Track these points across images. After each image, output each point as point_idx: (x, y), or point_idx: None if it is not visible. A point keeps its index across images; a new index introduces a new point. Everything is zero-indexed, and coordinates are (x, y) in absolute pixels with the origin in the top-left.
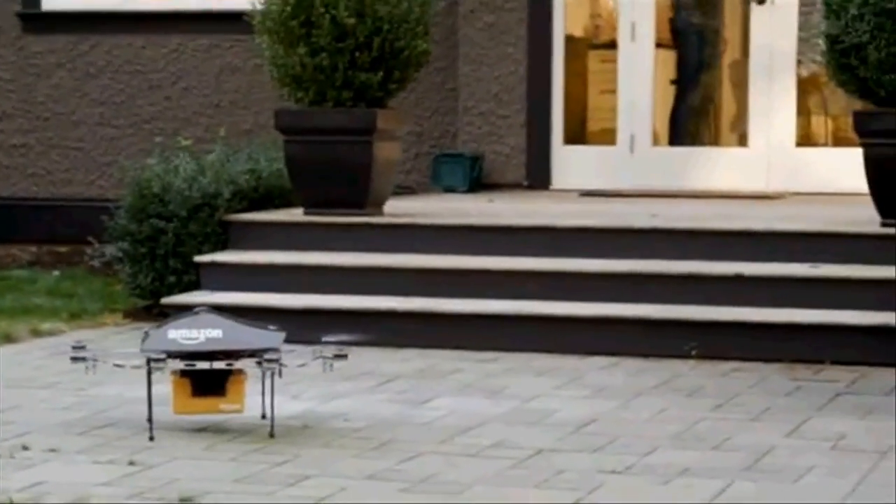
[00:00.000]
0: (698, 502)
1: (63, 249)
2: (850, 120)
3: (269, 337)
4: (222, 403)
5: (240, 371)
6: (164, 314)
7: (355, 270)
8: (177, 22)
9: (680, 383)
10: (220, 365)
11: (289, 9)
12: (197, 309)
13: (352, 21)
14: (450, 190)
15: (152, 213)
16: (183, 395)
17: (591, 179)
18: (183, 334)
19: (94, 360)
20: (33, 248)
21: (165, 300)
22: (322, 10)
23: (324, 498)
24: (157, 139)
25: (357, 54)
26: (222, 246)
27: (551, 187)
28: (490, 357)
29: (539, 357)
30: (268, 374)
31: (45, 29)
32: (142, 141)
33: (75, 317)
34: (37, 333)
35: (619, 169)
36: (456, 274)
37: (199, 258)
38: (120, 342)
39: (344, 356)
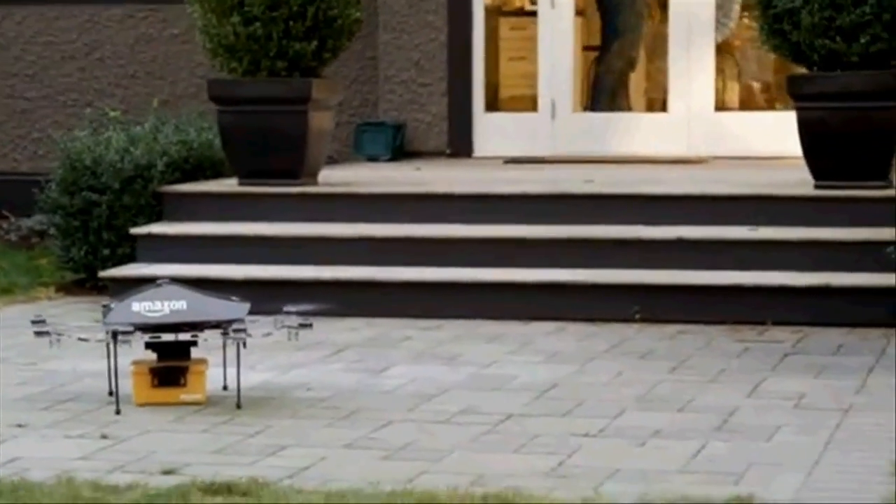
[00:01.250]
0: (679, 463)
1: None
2: (766, 84)
3: (234, 308)
4: (183, 394)
5: (200, 361)
6: (98, 287)
7: (293, 240)
8: None
9: (629, 346)
10: (185, 336)
11: None
12: (160, 281)
13: None
14: (372, 159)
15: (84, 185)
16: (145, 387)
17: (513, 146)
18: (147, 307)
19: (59, 334)
20: None
21: (104, 273)
22: None
23: (306, 467)
24: (88, 111)
25: (291, 23)
26: (157, 218)
27: (474, 155)
28: (435, 325)
29: (484, 324)
30: (231, 344)
31: None
32: (55, 113)
33: (6, 292)
34: None
35: (540, 135)
36: (396, 242)
37: (135, 230)
38: (59, 316)
39: (309, 325)
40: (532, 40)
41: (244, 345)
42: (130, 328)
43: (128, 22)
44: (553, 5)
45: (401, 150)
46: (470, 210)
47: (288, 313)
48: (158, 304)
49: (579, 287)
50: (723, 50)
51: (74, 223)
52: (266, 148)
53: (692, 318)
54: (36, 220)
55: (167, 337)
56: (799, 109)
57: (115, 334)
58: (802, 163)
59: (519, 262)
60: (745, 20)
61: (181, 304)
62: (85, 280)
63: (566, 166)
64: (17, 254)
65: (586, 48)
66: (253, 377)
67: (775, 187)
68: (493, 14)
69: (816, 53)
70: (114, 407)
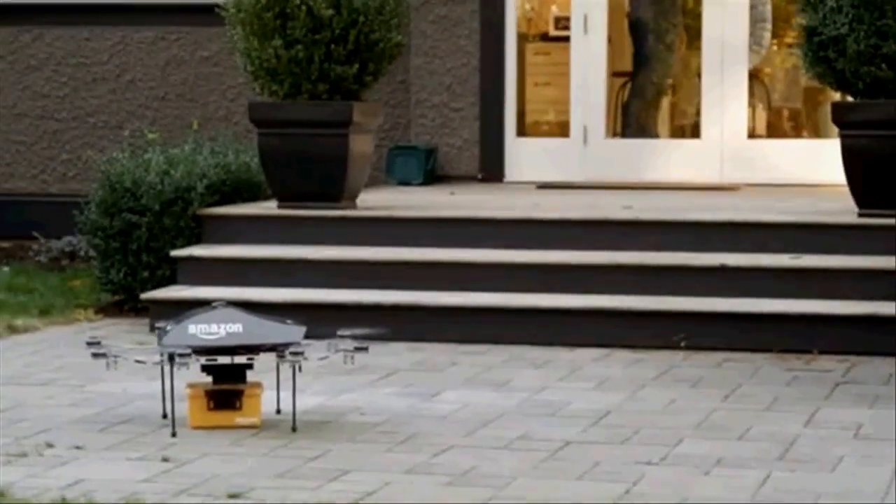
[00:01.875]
0: (748, 493)
1: (7, 244)
2: (795, 112)
3: (290, 331)
4: (238, 417)
5: (255, 385)
6: (136, 309)
7: (334, 263)
8: (122, 13)
9: (678, 374)
10: (241, 359)
11: (263, 1)
12: (215, 304)
13: (329, 13)
14: (404, 183)
15: (124, 207)
16: (200, 410)
17: (544, 171)
18: (203, 329)
19: (116, 356)
20: None
21: (145, 295)
22: (298, 1)
23: (371, 492)
24: (125, 132)
25: (333, 46)
26: (196, 240)
27: (505, 180)
28: (481, 350)
29: (530, 349)
30: (285, 367)
31: None
32: (86, 134)
33: (44, 313)
34: (13, 330)
35: (572, 161)
36: (439, 267)
37: (175, 252)
38: (103, 338)
39: (365, 349)
40: (558, 65)
41: (300, 368)
42: (188, 350)
43: (159, 44)
44: (585, 31)
45: (432, 175)
46: (511, 235)
47: (342, 337)
48: (215, 327)
49: (624, 313)
50: (754, 77)
51: (114, 245)
52: (306, 171)
53: (737, 346)
54: (66, 242)
55: (223, 360)
56: (843, 137)
57: (171, 357)
58: (838, 190)
59: (562, 288)
60: (776, 47)
61: (237, 327)
62: (124, 302)
63: (599, 192)
64: (50, 275)
65: (615, 74)
66: (305, 401)
67: (818, 215)
68: (521, 39)
69: (861, 81)
70: (168, 429)
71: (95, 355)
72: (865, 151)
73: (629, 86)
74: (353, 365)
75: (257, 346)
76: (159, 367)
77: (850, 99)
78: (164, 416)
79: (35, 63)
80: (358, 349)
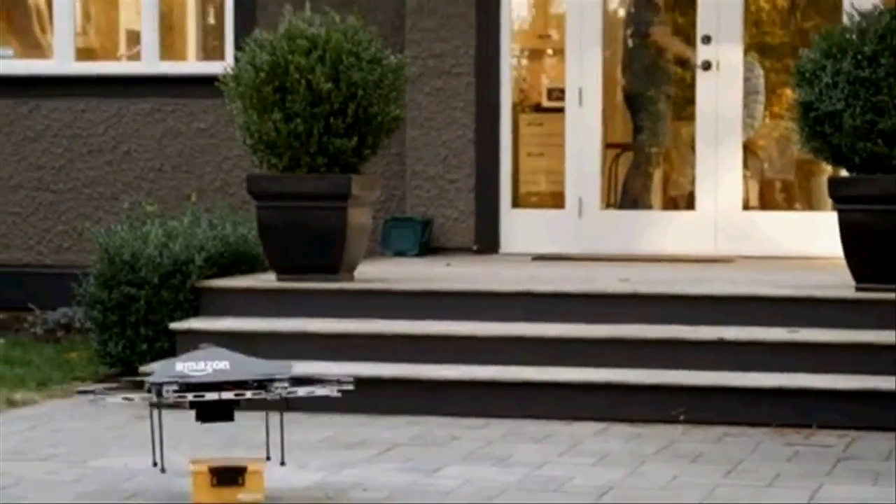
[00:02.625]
0: None
1: (2, 316)
2: (788, 184)
3: (277, 367)
4: (242, 493)
5: (258, 461)
6: (136, 382)
7: (333, 337)
8: (118, 86)
9: (678, 449)
10: (228, 395)
11: (262, 74)
12: (202, 345)
13: (328, 86)
14: (399, 254)
15: (123, 280)
16: (204, 486)
17: (540, 243)
18: (190, 367)
19: (104, 395)
20: None
21: (144, 368)
22: (297, 76)
23: None
24: (125, 205)
25: (332, 120)
26: (194, 312)
27: (500, 251)
28: (480, 423)
29: (528, 423)
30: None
31: None
32: (82, 206)
33: (42, 386)
34: (11, 404)
35: (567, 233)
36: (437, 339)
37: (174, 325)
38: (99, 410)
39: (350, 383)
40: (552, 136)
41: (287, 404)
42: (174, 383)
43: (155, 116)
44: (580, 103)
45: (428, 246)
46: (508, 308)
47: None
48: (202, 364)
49: (622, 387)
50: (747, 149)
51: (112, 317)
52: (305, 243)
53: (736, 420)
54: (62, 313)
55: (211, 396)
56: (840, 212)
57: (158, 391)
58: (834, 263)
59: (560, 361)
60: (768, 119)
61: (224, 364)
62: (122, 374)
63: (595, 264)
64: (46, 347)
65: (609, 145)
66: (307, 476)
67: (815, 289)
68: (514, 110)
69: (858, 156)
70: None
71: (82, 392)
72: (862, 226)
73: (623, 157)
74: (342, 396)
75: (244, 382)
76: (160, 438)
77: (846, 173)
78: (154, 464)
79: (32, 135)
80: (342, 382)
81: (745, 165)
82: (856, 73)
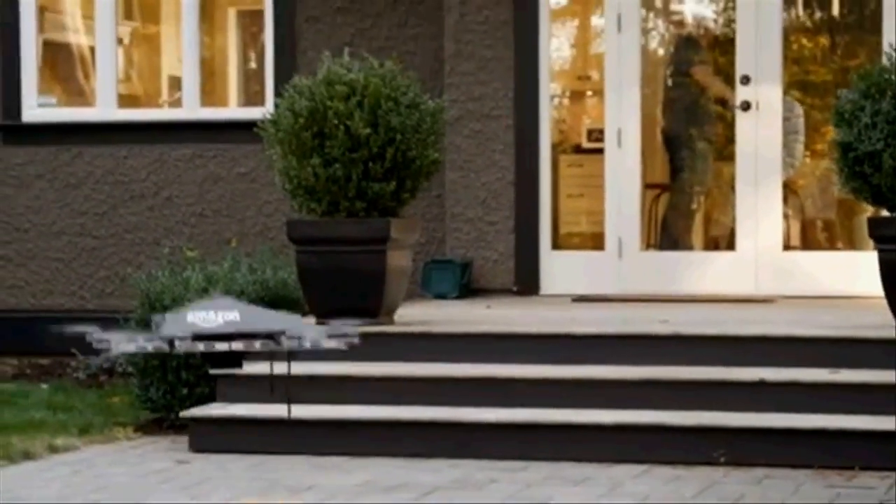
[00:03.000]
0: None
1: (45, 361)
2: (829, 223)
3: (287, 319)
4: None
5: None
6: (175, 427)
7: (374, 380)
8: (159, 131)
9: (719, 491)
10: (238, 346)
11: (301, 120)
12: (214, 295)
13: (366, 131)
14: (440, 296)
15: None
16: None
17: (580, 284)
18: (201, 317)
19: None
20: (14, 361)
21: (185, 413)
22: (336, 121)
23: None
24: (165, 250)
25: (370, 164)
26: None
27: (540, 293)
28: (520, 466)
29: (567, 466)
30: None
31: (26, 140)
32: (123, 251)
33: (83, 432)
34: (53, 449)
35: (607, 274)
36: (477, 382)
37: (215, 370)
38: (139, 457)
39: (355, 336)
40: (591, 177)
41: (295, 354)
42: (188, 335)
43: (196, 161)
44: (619, 144)
45: (468, 288)
46: (548, 350)
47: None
48: (213, 315)
49: (662, 429)
50: (787, 188)
51: (153, 363)
52: (344, 287)
53: (777, 462)
54: (104, 358)
55: (221, 346)
56: (880, 251)
57: (171, 341)
58: (876, 303)
59: (600, 404)
60: (808, 159)
61: (234, 315)
62: (163, 419)
63: (635, 305)
64: (89, 392)
65: (648, 185)
66: None
67: (856, 329)
68: (553, 151)
69: None
70: None
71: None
72: None
73: (663, 198)
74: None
75: (254, 334)
76: (200, 483)
77: (885, 213)
78: None
79: (74, 181)
80: (349, 337)
81: (786, 205)
82: (894, 112)
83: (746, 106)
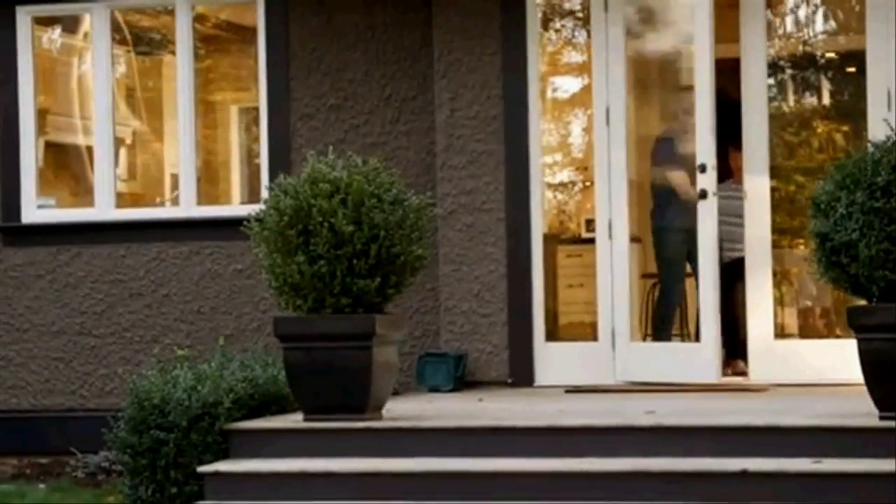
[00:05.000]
0: None
1: (45, 461)
2: (825, 310)
3: None
4: None
5: None
6: None
7: (359, 476)
8: (156, 230)
9: None
10: None
11: (286, 218)
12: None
13: (350, 228)
14: (434, 389)
15: (153, 424)
16: None
17: (574, 375)
18: None
19: None
20: (14, 461)
21: None
22: (320, 218)
23: None
24: (155, 350)
25: (355, 261)
26: (223, 455)
27: (535, 384)
28: None
29: None
30: None
31: (25, 241)
32: (123, 350)
33: None
34: None
35: (601, 364)
36: (464, 477)
37: (202, 468)
38: None
39: None
40: (590, 267)
41: None
42: None
43: (194, 259)
44: (610, 235)
45: (462, 381)
46: (536, 443)
47: None
48: None
49: None
50: (781, 276)
51: (142, 461)
52: (331, 384)
53: None
54: (102, 457)
55: None
56: (860, 340)
57: None
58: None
59: (587, 496)
60: (803, 246)
61: None
62: None
63: (629, 395)
64: (84, 492)
65: (645, 275)
66: None
67: (840, 418)
68: (550, 241)
69: (875, 285)
70: None
71: None
72: (883, 355)
73: (654, 288)
74: None
75: None
76: None
77: (864, 303)
78: None
79: (73, 281)
80: None
81: (779, 292)
82: (870, 203)
83: (703, 194)
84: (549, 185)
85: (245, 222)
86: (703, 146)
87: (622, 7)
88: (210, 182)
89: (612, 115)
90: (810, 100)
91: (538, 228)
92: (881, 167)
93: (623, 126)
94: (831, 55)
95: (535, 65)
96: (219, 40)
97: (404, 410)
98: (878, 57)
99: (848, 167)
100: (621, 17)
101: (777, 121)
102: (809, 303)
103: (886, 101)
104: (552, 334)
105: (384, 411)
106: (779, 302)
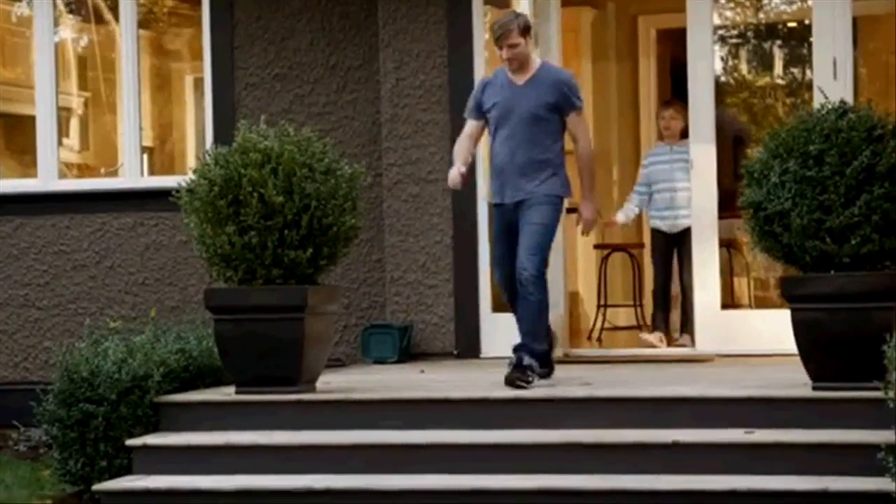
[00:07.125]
0: None
1: None
2: (771, 282)
3: None
4: None
5: None
6: (94, 500)
7: (290, 449)
8: (100, 201)
9: None
10: None
11: (216, 188)
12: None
13: (280, 199)
14: (379, 361)
15: (81, 397)
16: None
17: None
18: None
19: None
20: None
21: (97, 486)
22: (250, 188)
23: None
24: (87, 321)
25: (286, 232)
26: (154, 428)
27: (481, 355)
28: None
29: None
30: None
31: None
32: (67, 322)
33: None
34: None
35: None
36: (392, 449)
37: (130, 442)
38: None
39: None
40: None
41: None
42: None
43: (138, 230)
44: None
45: (408, 352)
46: (468, 415)
47: None
48: None
49: (577, 493)
50: (731, 247)
51: (72, 435)
52: (263, 356)
53: None
54: (45, 430)
55: None
56: (794, 311)
57: None
58: None
59: (516, 469)
60: None
61: None
62: (82, 492)
63: (571, 367)
64: (22, 465)
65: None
66: None
67: (774, 388)
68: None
69: (808, 255)
70: None
71: None
72: (816, 325)
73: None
74: None
75: None
76: None
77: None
78: None
79: (16, 252)
80: None
81: (727, 264)
82: (802, 172)
83: None
84: None
85: (174, 192)
86: None
87: None
88: (165, 153)
89: None
90: (758, 69)
91: (484, 198)
92: (814, 135)
93: None
94: (779, 25)
95: (481, 34)
96: (178, 11)
97: (340, 383)
98: (823, 28)
99: (781, 135)
100: None
101: (723, 88)
102: (763, 273)
103: (832, 70)
104: (499, 305)
105: (319, 383)
106: (728, 272)
